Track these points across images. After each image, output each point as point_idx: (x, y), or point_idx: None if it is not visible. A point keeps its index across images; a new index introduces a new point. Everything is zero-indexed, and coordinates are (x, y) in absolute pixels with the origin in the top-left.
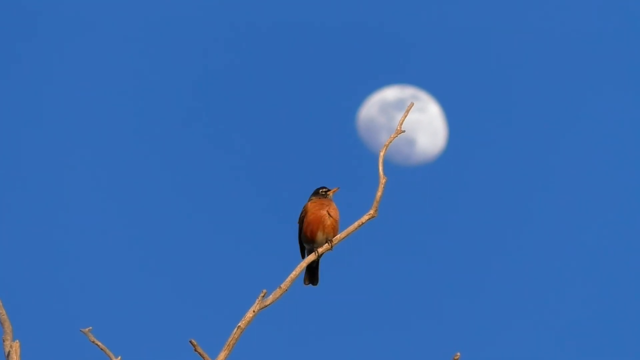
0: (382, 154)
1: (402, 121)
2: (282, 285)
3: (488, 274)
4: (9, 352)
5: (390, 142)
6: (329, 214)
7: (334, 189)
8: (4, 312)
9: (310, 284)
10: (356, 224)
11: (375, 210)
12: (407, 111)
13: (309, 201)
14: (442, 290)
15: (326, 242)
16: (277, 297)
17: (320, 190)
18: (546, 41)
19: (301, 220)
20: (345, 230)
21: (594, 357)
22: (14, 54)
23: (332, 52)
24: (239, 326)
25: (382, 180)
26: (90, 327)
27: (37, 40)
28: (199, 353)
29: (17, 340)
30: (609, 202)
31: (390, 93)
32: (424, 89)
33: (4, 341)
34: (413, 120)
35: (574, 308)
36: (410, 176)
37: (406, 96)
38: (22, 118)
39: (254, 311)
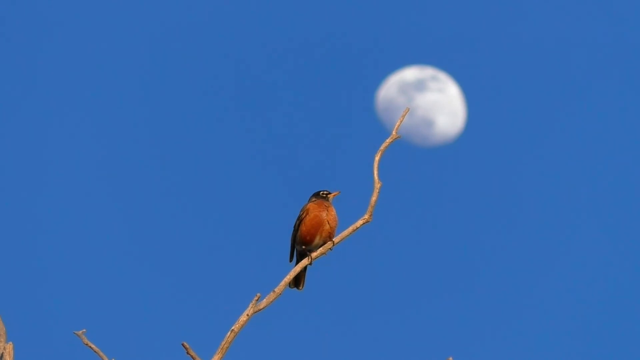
0: (377, 158)
1: (398, 126)
2: (276, 289)
3: (501, 266)
4: (2, 353)
5: (386, 147)
6: (327, 219)
7: (335, 193)
8: None
9: (295, 288)
10: (350, 228)
11: (370, 215)
12: (403, 116)
13: (309, 202)
14: (442, 286)
15: (322, 245)
16: (271, 301)
17: (321, 193)
18: (569, 20)
19: (299, 221)
20: (340, 235)
21: (593, 357)
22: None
23: (352, 32)
24: (232, 330)
25: (377, 185)
26: (84, 330)
27: (33, 39)
28: (191, 356)
29: (11, 342)
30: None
31: (410, 73)
32: (443, 70)
33: None
34: (432, 101)
35: (582, 307)
36: (429, 157)
37: (425, 76)
38: (19, 118)
39: (247, 315)
